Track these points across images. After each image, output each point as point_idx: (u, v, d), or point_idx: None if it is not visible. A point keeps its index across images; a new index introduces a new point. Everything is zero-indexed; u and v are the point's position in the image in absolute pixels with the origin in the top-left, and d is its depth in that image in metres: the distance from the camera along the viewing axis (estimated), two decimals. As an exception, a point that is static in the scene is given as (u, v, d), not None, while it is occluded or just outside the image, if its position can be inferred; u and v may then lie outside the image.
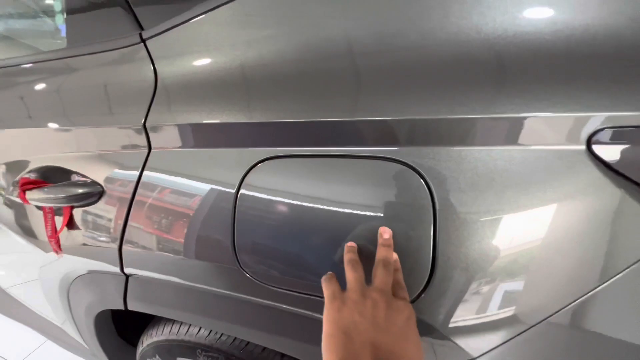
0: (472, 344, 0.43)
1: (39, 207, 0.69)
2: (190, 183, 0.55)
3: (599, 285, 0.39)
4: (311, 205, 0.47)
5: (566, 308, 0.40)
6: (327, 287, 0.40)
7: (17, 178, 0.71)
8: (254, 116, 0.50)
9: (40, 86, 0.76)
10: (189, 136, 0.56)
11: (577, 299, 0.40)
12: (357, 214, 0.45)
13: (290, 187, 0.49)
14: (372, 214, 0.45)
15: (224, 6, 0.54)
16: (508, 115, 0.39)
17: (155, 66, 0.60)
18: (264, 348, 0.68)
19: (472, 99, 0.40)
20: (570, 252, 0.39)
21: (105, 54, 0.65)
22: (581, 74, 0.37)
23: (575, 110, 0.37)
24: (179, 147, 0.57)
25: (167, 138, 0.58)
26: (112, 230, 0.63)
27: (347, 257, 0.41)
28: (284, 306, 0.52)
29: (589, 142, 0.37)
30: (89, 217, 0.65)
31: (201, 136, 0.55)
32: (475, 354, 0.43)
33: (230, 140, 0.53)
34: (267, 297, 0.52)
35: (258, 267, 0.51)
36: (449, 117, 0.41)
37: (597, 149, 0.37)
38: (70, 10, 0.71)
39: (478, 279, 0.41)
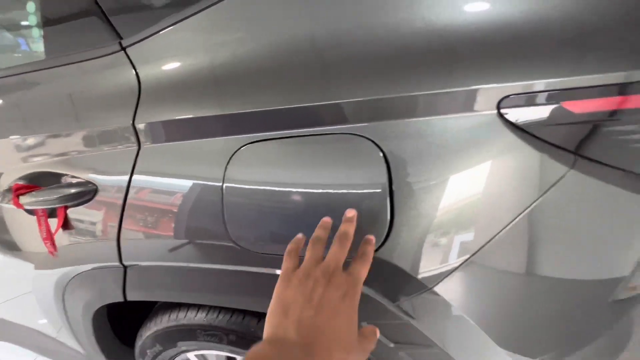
0: (427, 277, 0.53)
1: (31, 212, 0.73)
2: (180, 172, 0.62)
3: (514, 219, 0.51)
4: (287, 180, 0.56)
5: (488, 243, 0.52)
6: (284, 263, 0.42)
7: (7, 186, 0.74)
8: (231, 108, 0.58)
9: (23, 97, 0.79)
10: (174, 131, 0.63)
11: (494, 236, 0.52)
12: (326, 184, 0.55)
13: (269, 166, 0.57)
14: (338, 183, 0.55)
15: (198, 14, 0.61)
16: (442, 90, 0.49)
17: (137, 71, 0.66)
18: (259, 320, 0.76)
19: (412, 80, 0.50)
20: (491, 194, 0.51)
21: (87, 62, 0.70)
22: (492, 53, 0.48)
23: (485, 83, 0.48)
24: (166, 142, 0.64)
25: (154, 134, 0.64)
26: (109, 224, 0.68)
27: (314, 233, 0.45)
28: (277, 271, 0.60)
29: (498, 107, 0.49)
30: (85, 216, 0.70)
31: (185, 129, 0.62)
32: (431, 285, 0.54)
33: (212, 131, 0.60)
34: (259, 264, 0.60)
35: (247, 238, 0.59)
36: (394, 95, 0.51)
37: (505, 112, 0.49)
38: (46, 23, 0.75)
39: (428, 222, 0.52)
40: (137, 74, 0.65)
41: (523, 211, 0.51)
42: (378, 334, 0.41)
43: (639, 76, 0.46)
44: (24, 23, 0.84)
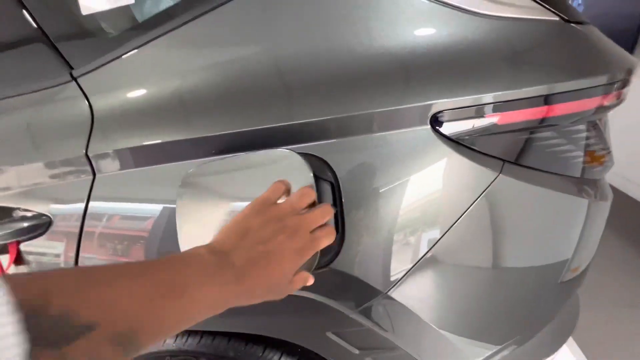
0: (382, 283, 0.57)
1: (-20, 250, 0.69)
2: (136, 200, 0.63)
3: (455, 221, 0.56)
4: (234, 199, 0.58)
5: (435, 245, 0.56)
6: (269, 191, 0.42)
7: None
8: (181, 134, 0.59)
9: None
10: (128, 158, 0.63)
11: (440, 238, 0.56)
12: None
13: (220, 187, 0.59)
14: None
15: (154, 41, 0.63)
16: (381, 109, 0.54)
17: (90, 101, 0.66)
18: (229, 340, 0.76)
19: (356, 100, 0.54)
20: (431, 200, 0.55)
21: (35, 94, 0.69)
22: (421, 75, 0.53)
23: (419, 101, 0.53)
24: (120, 170, 0.64)
25: (109, 163, 0.64)
26: (63, 258, 0.67)
27: (306, 189, 0.45)
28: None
29: (432, 122, 0.54)
30: (40, 248, 0.68)
31: (139, 157, 0.63)
32: (385, 290, 0.57)
33: (165, 157, 0.61)
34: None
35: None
36: (342, 115, 0.54)
37: (438, 126, 0.54)
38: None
39: (377, 232, 0.55)
40: (89, 104, 0.65)
41: (462, 214, 0.56)
42: (310, 282, 0.43)
43: (545, 90, 0.53)
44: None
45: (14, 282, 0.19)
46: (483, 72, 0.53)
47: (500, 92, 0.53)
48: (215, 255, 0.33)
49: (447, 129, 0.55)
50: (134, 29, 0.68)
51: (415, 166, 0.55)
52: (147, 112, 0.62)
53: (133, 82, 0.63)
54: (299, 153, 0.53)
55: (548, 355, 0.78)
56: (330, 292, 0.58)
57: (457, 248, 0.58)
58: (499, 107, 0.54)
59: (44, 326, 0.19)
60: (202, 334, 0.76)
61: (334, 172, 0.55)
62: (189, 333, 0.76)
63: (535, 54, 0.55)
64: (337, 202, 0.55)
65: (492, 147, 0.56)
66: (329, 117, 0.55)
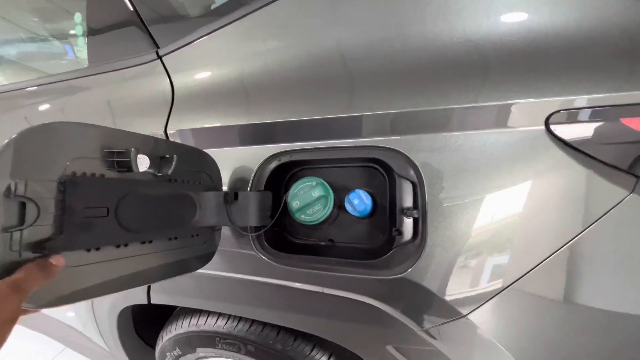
0: (462, 304, 0.49)
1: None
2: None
3: (562, 246, 0.46)
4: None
5: (533, 270, 0.47)
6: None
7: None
8: (259, 118, 0.57)
9: (69, 101, 0.84)
10: (203, 139, 0.63)
11: (543, 260, 0.47)
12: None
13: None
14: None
15: (231, 24, 0.62)
16: (480, 104, 0.46)
17: (172, 80, 0.67)
18: (279, 332, 0.74)
19: (449, 92, 0.47)
20: (538, 218, 0.46)
21: (125, 70, 0.72)
22: (537, 65, 0.45)
23: (533, 97, 0.45)
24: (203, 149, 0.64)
25: (186, 142, 0.65)
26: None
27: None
28: (297, 284, 0.58)
29: (547, 123, 0.45)
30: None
31: (215, 138, 0.62)
32: (465, 312, 0.50)
33: (240, 140, 0.60)
34: (282, 276, 0.59)
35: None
36: (429, 108, 0.48)
37: (554, 128, 0.45)
38: (90, 32, 0.79)
39: (464, 244, 0.48)
40: (171, 82, 0.67)
41: (572, 238, 0.46)
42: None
43: None
44: (71, 32, 0.90)
45: None
46: (620, 64, 0.43)
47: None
48: None
49: (566, 132, 0.45)
50: (211, 14, 0.68)
51: (520, 173, 0.46)
52: (223, 93, 0.61)
53: (213, 62, 0.63)
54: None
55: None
56: (401, 305, 0.52)
57: (560, 276, 0.48)
58: (638, 109, 0.43)
59: None
60: (253, 321, 0.75)
61: (418, 171, 0.49)
62: (240, 318, 0.76)
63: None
64: (420, 204, 0.49)
65: (623, 159, 0.45)
66: (416, 109, 0.49)
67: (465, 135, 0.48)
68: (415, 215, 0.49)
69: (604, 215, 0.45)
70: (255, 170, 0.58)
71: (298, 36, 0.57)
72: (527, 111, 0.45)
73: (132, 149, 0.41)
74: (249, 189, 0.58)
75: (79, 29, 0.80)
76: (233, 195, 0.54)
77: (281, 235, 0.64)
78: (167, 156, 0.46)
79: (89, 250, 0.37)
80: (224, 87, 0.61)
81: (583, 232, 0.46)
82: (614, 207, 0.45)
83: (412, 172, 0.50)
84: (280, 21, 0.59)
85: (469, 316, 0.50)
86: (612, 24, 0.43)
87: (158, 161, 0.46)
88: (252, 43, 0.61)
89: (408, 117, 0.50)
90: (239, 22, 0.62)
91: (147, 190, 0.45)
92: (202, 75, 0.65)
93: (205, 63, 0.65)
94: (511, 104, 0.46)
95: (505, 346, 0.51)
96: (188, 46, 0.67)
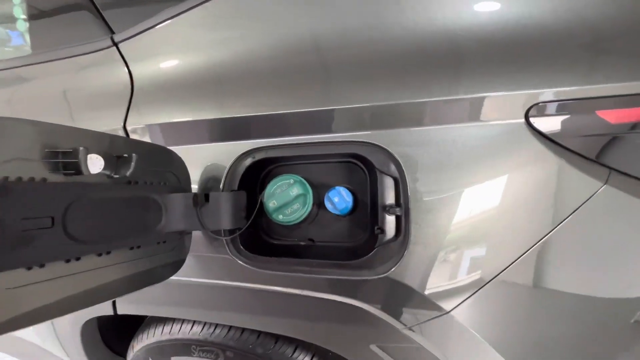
0: (445, 301, 0.49)
1: None
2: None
3: (541, 239, 0.47)
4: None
5: (517, 261, 0.47)
6: None
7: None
8: (232, 111, 0.53)
9: (17, 92, 0.74)
10: (171, 135, 0.58)
11: (523, 253, 0.47)
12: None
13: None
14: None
15: (195, 9, 0.56)
16: (461, 96, 0.45)
17: (130, 69, 0.61)
18: (259, 335, 0.71)
19: (430, 84, 0.46)
20: (516, 211, 0.46)
21: (76, 58, 0.64)
22: (515, 58, 0.44)
23: (513, 89, 0.44)
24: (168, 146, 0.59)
25: (150, 139, 0.59)
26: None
27: None
28: (276, 288, 0.55)
29: (526, 116, 0.44)
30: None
31: (182, 134, 0.57)
32: (448, 309, 0.49)
33: (213, 136, 0.55)
34: (260, 280, 0.55)
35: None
36: (412, 101, 0.46)
37: (534, 121, 0.44)
38: (33, 16, 0.69)
39: (446, 241, 0.47)
40: (129, 71, 0.60)
41: (553, 229, 0.46)
42: None
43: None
44: (13, 15, 0.79)
45: None
46: (597, 56, 0.43)
47: (618, 84, 0.42)
48: None
49: (545, 125, 0.45)
50: None
51: (501, 167, 0.46)
52: (190, 84, 0.56)
53: (177, 50, 0.57)
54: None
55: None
56: (385, 304, 0.51)
57: (534, 269, 0.48)
58: (614, 102, 0.43)
59: None
60: (231, 326, 0.72)
61: (400, 167, 0.47)
62: (216, 325, 0.72)
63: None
64: (402, 201, 0.47)
65: (598, 150, 0.46)
66: (397, 102, 0.47)
67: (447, 128, 0.46)
68: (398, 213, 0.47)
69: (579, 206, 0.46)
70: (227, 168, 0.54)
71: (270, 22, 0.53)
72: (508, 104, 0.45)
73: (81, 148, 0.35)
74: (221, 188, 0.54)
75: (17, 11, 0.70)
76: (203, 196, 0.50)
77: (258, 237, 0.60)
78: (126, 155, 0.40)
79: (29, 268, 0.32)
80: (189, 77, 0.56)
81: (561, 224, 0.46)
82: (589, 198, 0.46)
83: (393, 168, 0.48)
84: (250, 6, 0.54)
85: (453, 312, 0.49)
86: (590, 16, 0.43)
87: (114, 161, 0.40)
88: (220, 29, 0.56)
89: (389, 110, 0.47)
90: (205, 6, 0.56)
91: (101, 194, 0.39)
92: (166, 65, 0.59)
93: (169, 51, 0.59)
94: (492, 97, 0.45)
95: (488, 340, 0.51)
96: (148, 32, 0.60)
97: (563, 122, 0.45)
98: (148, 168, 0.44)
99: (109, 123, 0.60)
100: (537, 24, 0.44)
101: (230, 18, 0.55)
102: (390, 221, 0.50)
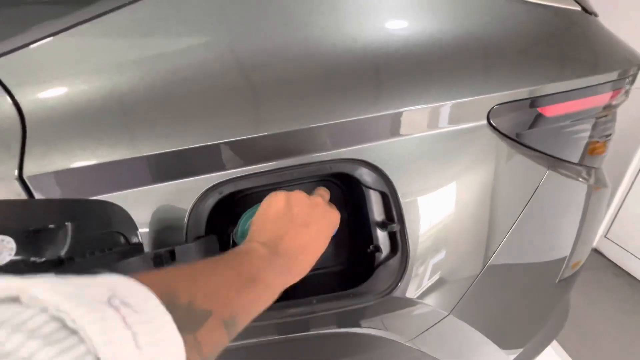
0: (445, 304, 0.50)
1: None
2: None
3: (513, 225, 0.52)
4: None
5: (498, 249, 0.51)
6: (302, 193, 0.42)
7: None
8: (154, 147, 0.42)
9: None
10: (95, 181, 0.44)
11: (501, 241, 0.51)
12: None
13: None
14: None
15: (95, 20, 0.44)
16: (431, 105, 0.46)
17: (15, 96, 0.44)
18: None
19: (400, 94, 0.45)
20: (490, 206, 0.50)
21: None
22: (473, 67, 0.47)
23: (473, 95, 0.47)
24: (94, 195, 0.44)
25: (67, 187, 0.43)
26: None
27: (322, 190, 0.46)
28: (268, 338, 0.48)
29: (488, 118, 0.48)
30: None
31: (116, 177, 0.44)
32: (447, 311, 0.50)
33: (158, 174, 0.44)
34: (252, 335, 0.47)
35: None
36: (388, 112, 0.45)
37: (495, 121, 0.49)
38: None
39: (439, 246, 0.48)
40: (14, 100, 0.43)
41: (519, 215, 0.51)
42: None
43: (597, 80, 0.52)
44: None
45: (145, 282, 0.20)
46: (536, 62, 0.50)
47: (553, 83, 0.49)
48: (265, 246, 0.35)
49: (502, 124, 0.50)
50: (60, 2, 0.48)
51: (475, 167, 0.49)
52: (96, 116, 0.43)
53: (75, 71, 0.43)
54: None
55: (534, 357, 0.80)
56: (387, 323, 0.49)
57: (511, 251, 0.54)
58: (550, 99, 0.51)
59: (176, 315, 0.19)
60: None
61: (388, 180, 0.46)
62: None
63: (567, 44, 0.53)
64: (396, 215, 0.46)
65: (541, 142, 0.53)
66: (374, 115, 0.45)
67: (426, 136, 0.47)
68: (395, 229, 0.45)
69: (534, 192, 0.52)
70: (189, 211, 0.44)
71: (178, 41, 0.44)
72: (473, 108, 0.47)
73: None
74: (184, 237, 0.43)
75: None
76: (168, 254, 0.39)
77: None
78: (52, 226, 0.28)
79: None
80: (108, 104, 0.43)
81: (525, 207, 0.52)
82: (540, 183, 0.52)
83: (381, 182, 0.46)
84: (174, 15, 0.44)
85: (452, 313, 0.50)
86: (521, 26, 0.49)
87: (32, 239, 0.28)
88: (129, 46, 0.44)
89: (369, 123, 0.45)
90: (108, 18, 0.44)
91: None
92: (71, 89, 0.44)
93: (71, 70, 0.44)
94: (460, 103, 0.47)
95: (481, 330, 0.54)
96: (35, 45, 0.44)
97: (515, 120, 0.50)
98: (85, 235, 0.32)
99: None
100: (485, 35, 0.48)
101: (139, 34, 0.44)
102: (383, 237, 0.48)
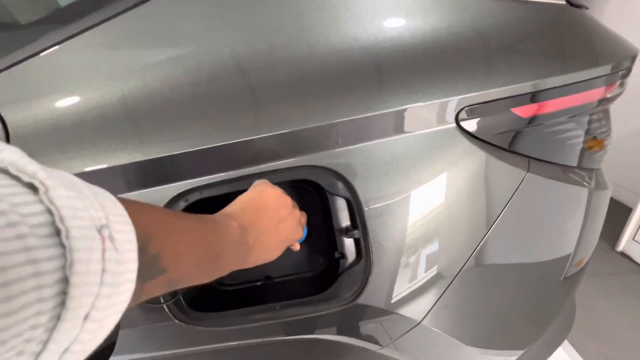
0: (415, 312, 0.49)
1: None
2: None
3: (489, 230, 0.49)
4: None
5: (472, 255, 0.49)
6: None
7: None
8: (151, 151, 0.45)
9: None
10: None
11: (477, 246, 0.49)
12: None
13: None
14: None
15: (88, 31, 0.46)
16: (395, 109, 0.45)
17: (0, 113, 0.47)
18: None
19: (363, 99, 0.45)
20: (463, 209, 0.48)
21: None
22: (438, 67, 0.46)
23: (441, 97, 0.45)
24: None
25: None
26: None
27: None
28: (235, 343, 0.49)
29: (457, 120, 0.47)
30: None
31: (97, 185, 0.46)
32: (419, 319, 0.49)
33: (128, 184, 0.46)
34: (217, 339, 0.48)
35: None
36: (350, 118, 0.45)
37: (463, 124, 0.47)
38: None
39: (406, 253, 0.47)
40: (0, 117, 0.47)
41: (495, 220, 0.49)
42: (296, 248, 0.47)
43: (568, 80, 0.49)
44: None
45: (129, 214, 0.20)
46: (508, 61, 0.47)
47: (527, 83, 0.47)
48: (240, 230, 0.36)
49: (472, 126, 0.48)
50: (56, 16, 0.51)
51: (441, 170, 0.47)
52: (89, 125, 0.46)
53: (64, 84, 0.47)
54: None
55: (546, 357, 0.76)
56: (356, 330, 0.48)
57: (491, 255, 0.52)
58: (523, 99, 0.48)
59: (141, 262, 0.20)
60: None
61: (351, 187, 0.45)
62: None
63: (553, 40, 0.51)
64: (358, 222, 0.45)
65: (518, 143, 0.51)
66: (335, 121, 0.45)
67: (388, 141, 0.46)
68: (357, 236, 0.45)
69: (513, 195, 0.50)
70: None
71: (183, 45, 0.46)
72: (440, 111, 0.46)
73: None
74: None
75: None
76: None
77: (206, 287, 0.52)
78: None
79: None
80: (86, 118, 0.46)
81: (502, 212, 0.49)
82: (518, 186, 0.50)
83: (344, 189, 0.46)
84: (155, 26, 0.47)
85: (424, 322, 0.49)
86: (495, 23, 0.47)
87: None
88: (122, 56, 0.47)
89: (329, 130, 0.45)
90: (99, 29, 0.47)
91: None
92: (51, 105, 0.47)
93: (53, 87, 0.47)
94: (427, 105, 0.46)
95: (459, 338, 0.52)
96: (21, 64, 0.48)
97: (486, 121, 0.48)
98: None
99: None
100: (449, 34, 0.46)
101: (134, 41, 0.47)
102: (349, 244, 0.48)
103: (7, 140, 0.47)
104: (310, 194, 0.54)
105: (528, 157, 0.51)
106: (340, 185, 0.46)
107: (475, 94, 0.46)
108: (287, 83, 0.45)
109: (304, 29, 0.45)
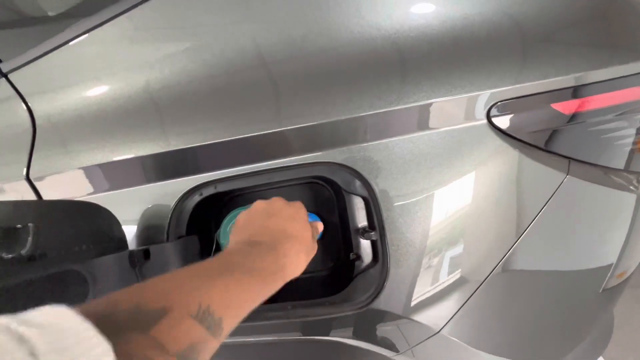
0: (434, 320, 0.46)
1: None
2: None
3: (521, 235, 0.45)
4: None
5: (501, 262, 0.46)
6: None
7: None
8: (169, 144, 0.44)
9: None
10: (99, 179, 0.47)
11: (507, 252, 0.46)
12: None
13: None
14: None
15: (110, 22, 0.47)
16: (420, 103, 0.42)
17: (29, 104, 0.49)
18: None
19: (384, 92, 0.42)
20: (491, 213, 0.44)
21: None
22: (469, 58, 0.42)
23: (472, 91, 0.42)
24: (91, 194, 0.48)
25: (67, 187, 0.48)
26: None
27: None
28: (245, 339, 0.48)
29: (488, 116, 0.43)
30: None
31: (110, 177, 0.47)
32: (438, 328, 0.46)
33: (146, 175, 0.46)
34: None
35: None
36: (371, 112, 0.42)
37: (495, 120, 0.43)
38: None
39: (426, 257, 0.44)
40: (28, 107, 0.49)
41: (528, 226, 0.45)
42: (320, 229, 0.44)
43: (620, 72, 0.44)
44: None
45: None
46: (544, 51, 0.43)
47: (570, 75, 0.42)
48: (241, 244, 0.35)
49: (505, 123, 0.44)
50: (74, 13, 0.52)
51: (470, 171, 0.44)
52: (108, 116, 0.46)
53: (88, 75, 0.47)
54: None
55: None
56: (371, 335, 0.46)
57: (522, 262, 0.47)
58: (565, 94, 0.43)
59: (120, 318, 0.20)
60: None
61: (369, 185, 0.43)
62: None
63: (600, 27, 0.45)
64: (376, 222, 0.43)
65: (557, 143, 0.46)
66: (356, 115, 0.42)
67: (411, 137, 0.43)
68: (374, 238, 0.43)
69: (550, 198, 0.45)
70: (171, 211, 0.45)
71: (202, 36, 0.45)
72: (469, 106, 0.42)
73: None
74: (165, 236, 0.45)
75: None
76: (142, 253, 0.41)
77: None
78: (19, 226, 0.30)
79: None
80: (107, 109, 0.46)
81: (535, 219, 0.45)
82: (557, 189, 0.45)
83: (362, 187, 0.43)
84: (174, 18, 0.46)
85: (442, 331, 0.46)
86: (537, 10, 0.42)
87: (8, 234, 0.30)
88: (143, 48, 0.47)
89: (349, 124, 0.43)
90: (119, 21, 0.47)
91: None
92: (75, 96, 0.48)
93: (77, 78, 0.48)
94: (454, 100, 0.42)
95: (481, 348, 0.49)
96: (47, 56, 0.49)
97: (522, 118, 0.44)
98: (62, 233, 0.35)
99: (5, 174, 0.48)
100: (485, 21, 0.42)
101: (154, 34, 0.47)
102: (365, 245, 0.45)
103: (34, 131, 0.49)
104: (327, 191, 0.52)
105: (568, 158, 0.46)
106: (358, 183, 0.43)
107: (509, 87, 0.42)
108: (306, 75, 0.43)
109: (325, 18, 0.43)
